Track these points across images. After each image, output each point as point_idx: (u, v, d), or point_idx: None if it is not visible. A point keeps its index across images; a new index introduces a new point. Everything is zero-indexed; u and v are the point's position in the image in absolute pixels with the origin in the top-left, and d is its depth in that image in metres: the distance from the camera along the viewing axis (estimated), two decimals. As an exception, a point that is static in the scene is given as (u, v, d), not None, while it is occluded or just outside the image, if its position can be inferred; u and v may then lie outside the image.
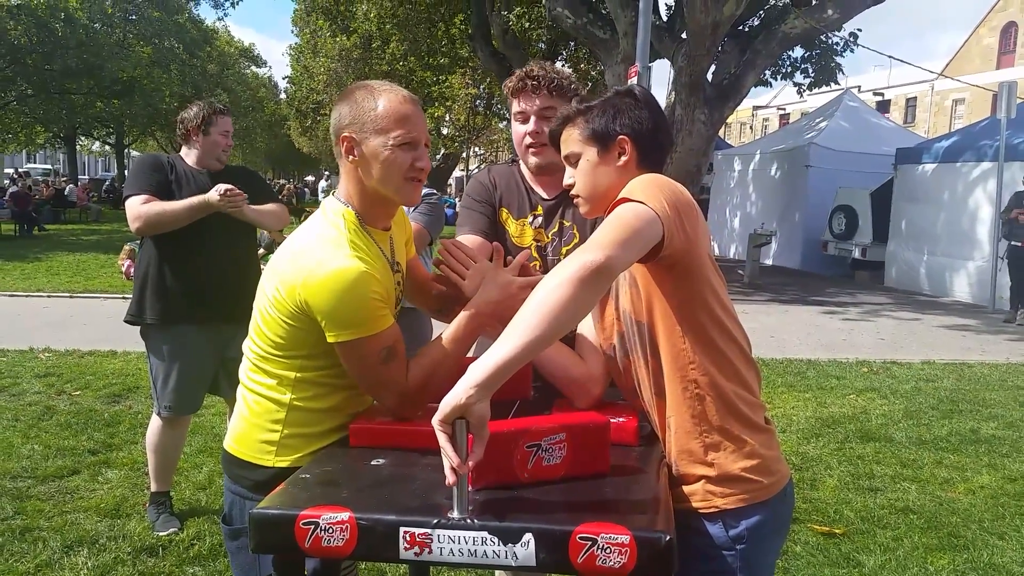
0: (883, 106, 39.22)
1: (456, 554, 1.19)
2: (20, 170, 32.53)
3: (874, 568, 3.11)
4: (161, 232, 3.08)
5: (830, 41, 14.54)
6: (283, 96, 42.22)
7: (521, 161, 2.15)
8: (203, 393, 3.33)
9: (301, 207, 18.32)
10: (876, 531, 3.46)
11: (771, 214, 15.55)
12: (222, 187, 3.01)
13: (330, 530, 1.21)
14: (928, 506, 3.75)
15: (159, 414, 3.23)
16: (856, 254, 13.71)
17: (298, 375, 1.59)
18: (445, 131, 26.02)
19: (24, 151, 39.20)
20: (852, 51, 14.98)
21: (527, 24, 14.15)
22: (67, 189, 25.67)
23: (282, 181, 44.83)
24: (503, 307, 1.58)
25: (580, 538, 1.15)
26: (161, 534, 3.19)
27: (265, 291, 1.57)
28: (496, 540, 1.17)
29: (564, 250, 2.09)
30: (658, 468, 1.45)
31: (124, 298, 8.21)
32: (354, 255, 1.49)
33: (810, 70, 15.30)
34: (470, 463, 1.22)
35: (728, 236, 17.62)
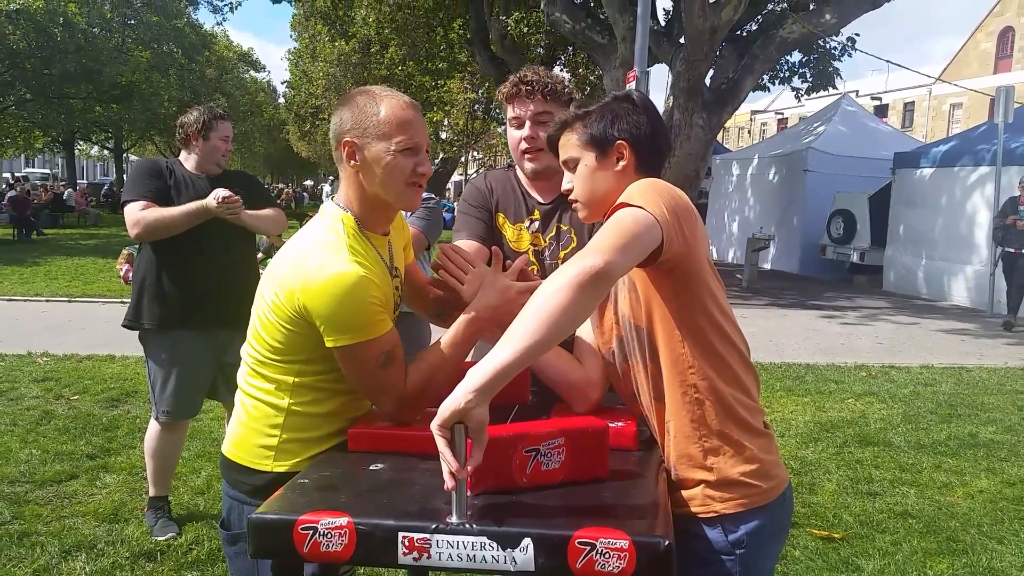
0: (881, 110, 39.31)
1: (455, 559, 1.18)
2: (17, 174, 32.50)
3: (873, 572, 3.11)
4: (159, 238, 3.08)
5: (828, 46, 14.58)
6: (282, 100, 42.22)
7: (517, 166, 2.16)
8: (201, 398, 3.33)
9: (301, 211, 18.33)
10: (875, 535, 3.46)
11: (769, 218, 15.58)
12: (220, 193, 3.01)
13: (329, 535, 1.20)
14: (927, 510, 3.75)
15: (157, 419, 3.23)
16: (854, 258, 13.74)
17: (296, 380, 1.59)
18: (444, 136, 26.03)
19: (23, 155, 39.16)
20: (850, 56, 15.11)
21: (525, 29, 14.15)
22: (65, 193, 25.69)
23: (281, 185, 44.84)
24: (502, 312, 1.58)
25: (579, 543, 1.15)
26: (159, 539, 3.18)
27: (264, 296, 1.57)
28: (495, 545, 1.17)
29: (562, 254, 2.09)
30: (657, 473, 1.45)
31: (122, 302, 8.20)
32: (353, 260, 1.49)
33: (808, 75, 15.33)
34: (469, 468, 1.22)
35: (726, 240, 17.64)
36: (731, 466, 1.45)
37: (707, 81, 11.75)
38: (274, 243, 5.96)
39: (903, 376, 6.71)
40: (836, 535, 3.44)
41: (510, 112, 2.09)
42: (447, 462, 1.20)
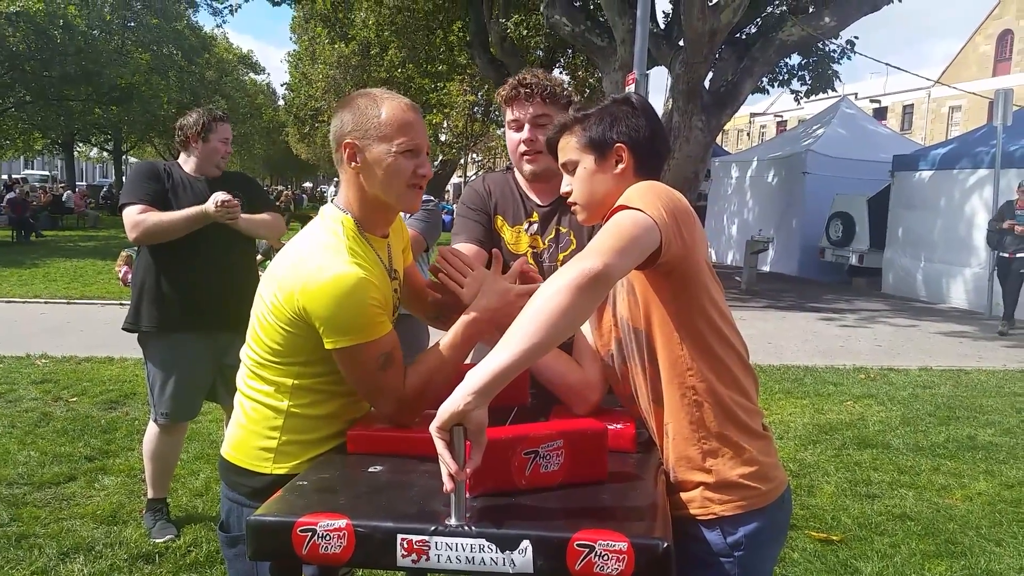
0: (880, 113, 39.35)
1: (454, 561, 1.18)
2: (16, 176, 32.49)
3: (871, 574, 3.11)
4: (158, 242, 3.08)
5: (827, 48, 14.58)
6: (281, 103, 42.26)
7: (516, 168, 2.16)
8: (200, 400, 3.33)
9: (303, 213, 18.31)
10: (873, 538, 3.46)
11: (768, 221, 15.58)
12: (219, 197, 3.02)
13: (327, 537, 1.20)
14: (925, 513, 3.75)
15: (156, 421, 3.23)
16: (853, 261, 13.75)
17: (296, 382, 1.59)
18: (443, 138, 26.05)
19: (22, 157, 39.17)
20: (849, 58, 15.08)
21: (525, 31, 14.17)
22: (65, 195, 25.68)
23: (280, 187, 44.84)
24: (501, 314, 1.59)
25: (578, 545, 1.15)
26: (158, 541, 3.18)
27: (263, 297, 1.57)
28: (494, 547, 1.17)
29: (561, 256, 2.09)
30: (656, 475, 1.45)
31: (121, 304, 8.21)
32: (352, 261, 1.49)
33: (807, 77, 15.33)
34: (468, 470, 1.22)
35: (725, 243, 17.65)
36: (730, 468, 1.45)
37: (706, 84, 11.76)
38: (273, 245, 5.96)
39: (902, 378, 6.71)
40: (835, 537, 3.44)
41: (509, 115, 2.09)
42: (446, 464, 1.20)
